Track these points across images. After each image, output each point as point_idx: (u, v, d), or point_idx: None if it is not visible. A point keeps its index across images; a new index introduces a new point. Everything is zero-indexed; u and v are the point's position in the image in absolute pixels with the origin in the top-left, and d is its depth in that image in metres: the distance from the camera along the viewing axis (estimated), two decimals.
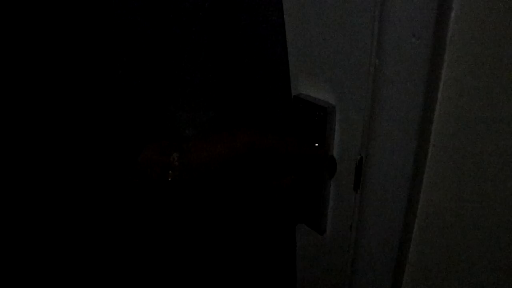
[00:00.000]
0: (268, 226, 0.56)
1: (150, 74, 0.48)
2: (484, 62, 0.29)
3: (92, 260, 0.58)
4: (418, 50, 0.31)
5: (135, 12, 0.45)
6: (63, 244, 0.55)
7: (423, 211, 0.37)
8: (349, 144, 0.41)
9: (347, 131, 0.41)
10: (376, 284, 0.44)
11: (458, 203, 0.34)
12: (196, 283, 0.63)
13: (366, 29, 0.34)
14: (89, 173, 0.43)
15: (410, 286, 0.42)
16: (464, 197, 0.33)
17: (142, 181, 0.40)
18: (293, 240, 0.54)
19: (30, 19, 0.45)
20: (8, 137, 0.44)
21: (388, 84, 0.34)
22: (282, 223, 0.55)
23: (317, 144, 0.44)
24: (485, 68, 0.29)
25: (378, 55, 0.33)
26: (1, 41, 0.44)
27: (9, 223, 0.51)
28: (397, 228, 0.38)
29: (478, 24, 0.28)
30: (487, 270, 0.34)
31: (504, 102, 0.28)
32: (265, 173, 0.42)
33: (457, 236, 0.35)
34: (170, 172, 0.39)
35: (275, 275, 0.61)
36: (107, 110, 0.49)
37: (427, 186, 0.36)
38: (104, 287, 0.61)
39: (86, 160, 0.43)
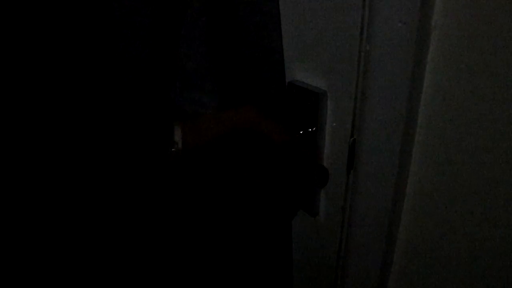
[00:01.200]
0: (265, 216, 0.58)
1: (151, 61, 0.50)
2: (467, 46, 0.31)
3: (92, 260, 0.58)
4: (405, 34, 0.33)
5: (132, 3, 0.47)
6: (63, 244, 0.56)
7: (412, 191, 0.39)
8: (340, 127, 0.43)
9: (338, 115, 0.43)
10: (368, 264, 0.46)
11: (446, 182, 0.36)
12: (194, 272, 0.65)
13: (355, 18, 0.36)
14: (94, 169, 0.45)
15: (401, 263, 0.44)
16: (452, 175, 0.36)
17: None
18: (289, 225, 0.55)
19: (29, 18, 0.46)
20: (10, 137, 0.45)
21: (377, 68, 0.36)
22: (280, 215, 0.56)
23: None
24: (468, 51, 0.31)
25: (368, 41, 0.35)
26: (2, 41, 0.46)
27: (10, 223, 0.51)
28: (387, 207, 0.40)
29: (461, 10, 0.30)
30: (475, 247, 0.37)
31: (487, 81, 0.31)
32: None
33: (445, 214, 0.37)
34: (173, 149, 0.42)
35: (271, 260, 0.63)
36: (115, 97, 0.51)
37: (416, 166, 0.38)
38: (104, 287, 0.62)
39: (91, 155, 0.45)
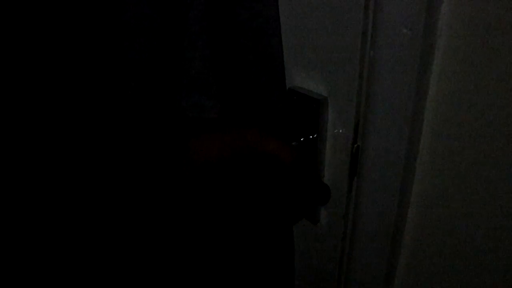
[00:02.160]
0: (266, 221, 0.57)
1: (154, 68, 0.49)
2: (474, 52, 0.30)
3: (92, 260, 0.57)
4: (410, 41, 0.32)
5: (136, 9, 0.46)
6: (63, 244, 0.55)
7: (416, 199, 0.39)
8: (342, 134, 0.42)
9: (340, 121, 0.42)
10: (371, 271, 0.45)
11: (450, 189, 0.36)
12: (195, 276, 0.64)
13: (357, 23, 0.35)
14: (94, 169, 0.44)
15: (404, 272, 0.43)
16: (458, 183, 0.35)
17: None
18: (291, 231, 0.55)
19: (33, 18, 0.46)
20: (12, 137, 0.45)
21: (382, 74, 0.35)
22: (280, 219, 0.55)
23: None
24: (474, 58, 0.30)
25: (372, 47, 0.35)
26: (6, 41, 0.45)
27: (10, 223, 0.51)
28: (391, 215, 0.39)
29: (467, 16, 0.30)
30: (480, 254, 0.36)
31: (494, 88, 0.30)
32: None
33: (450, 222, 0.37)
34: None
35: (273, 266, 0.63)
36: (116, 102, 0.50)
37: (420, 174, 0.38)
38: (104, 287, 0.61)
39: (93, 158, 0.44)
